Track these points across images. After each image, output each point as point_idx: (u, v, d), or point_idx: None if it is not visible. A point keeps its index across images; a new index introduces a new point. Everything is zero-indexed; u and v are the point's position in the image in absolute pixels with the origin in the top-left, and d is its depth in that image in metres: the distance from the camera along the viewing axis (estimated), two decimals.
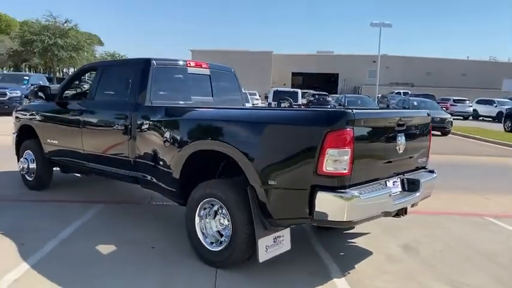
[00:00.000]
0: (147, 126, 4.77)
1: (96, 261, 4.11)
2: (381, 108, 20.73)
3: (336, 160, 3.38)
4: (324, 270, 4.10)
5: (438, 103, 30.91)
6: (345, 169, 3.41)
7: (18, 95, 18.06)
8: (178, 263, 4.11)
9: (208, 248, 4.04)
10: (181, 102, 5.30)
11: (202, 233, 4.12)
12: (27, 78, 20.74)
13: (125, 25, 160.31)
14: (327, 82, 61.25)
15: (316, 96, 33.81)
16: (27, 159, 6.65)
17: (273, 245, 3.78)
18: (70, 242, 4.54)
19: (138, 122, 4.85)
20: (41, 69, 59.38)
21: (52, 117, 6.16)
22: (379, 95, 39.99)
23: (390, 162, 4.02)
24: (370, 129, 3.71)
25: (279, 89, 21.28)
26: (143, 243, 4.56)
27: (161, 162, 4.56)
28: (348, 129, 3.39)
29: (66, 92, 6.42)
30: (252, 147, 3.76)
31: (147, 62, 5.13)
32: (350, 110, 3.46)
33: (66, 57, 46.28)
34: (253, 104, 18.09)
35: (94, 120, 5.50)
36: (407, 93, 41.48)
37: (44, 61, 49.75)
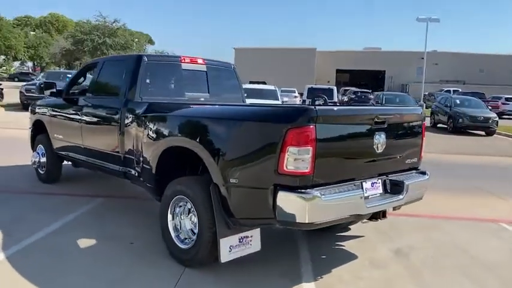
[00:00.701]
0: (134, 121, 4.79)
1: (69, 255, 4.16)
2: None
3: (296, 159, 3.22)
4: (296, 273, 3.94)
5: (488, 101, 29.35)
6: (306, 168, 3.25)
7: None
8: (150, 260, 4.08)
9: (179, 245, 3.99)
10: (174, 98, 5.28)
11: (177, 230, 4.08)
12: (69, 75, 21.61)
13: (174, 25, 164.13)
14: (373, 79, 59.78)
15: (358, 94, 33.05)
16: (38, 154, 6.89)
17: (238, 245, 3.67)
18: (55, 235, 4.64)
19: (127, 118, 4.88)
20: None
21: (58, 112, 6.35)
22: (426, 93, 38.48)
23: (368, 162, 3.79)
24: (339, 126, 3.51)
25: (314, 86, 20.95)
26: (125, 238, 4.58)
27: (141, 158, 4.57)
28: (310, 126, 3.22)
29: (75, 88, 6.59)
30: (215, 144, 3.67)
31: (138, 58, 5.16)
32: (313, 107, 3.28)
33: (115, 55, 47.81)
34: (282, 102, 17.86)
35: (90, 116, 5.60)
36: (458, 91, 39.66)
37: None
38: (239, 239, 3.68)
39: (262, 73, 47.62)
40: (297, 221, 3.26)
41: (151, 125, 4.46)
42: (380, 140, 3.77)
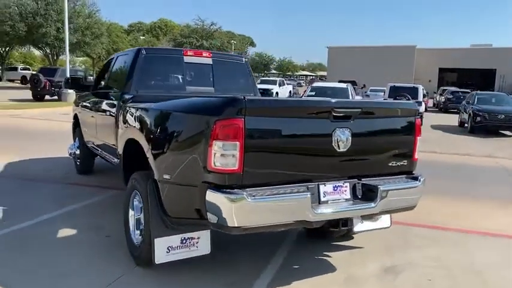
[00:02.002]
0: (124, 115, 4.77)
1: (40, 245, 4.19)
2: None
3: (224, 154, 2.89)
4: (245, 284, 3.55)
5: None
6: (234, 165, 2.89)
7: None
8: (112, 255, 3.97)
9: (133, 241, 3.84)
10: (173, 91, 5.17)
11: (137, 225, 3.93)
12: None
13: (275, 27, 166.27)
14: (482, 78, 54.49)
15: (458, 94, 30.30)
16: (74, 146, 7.27)
17: (179, 246, 3.42)
18: (42, 224, 4.76)
19: (121, 111, 4.88)
20: None
21: (84, 106, 6.62)
22: None
23: (327, 162, 3.29)
24: (277, 120, 3.07)
25: (396, 84, 19.54)
26: (108, 231, 4.56)
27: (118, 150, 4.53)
28: (238, 119, 2.86)
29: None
30: (153, 137, 3.47)
31: (137, 51, 5.14)
32: (242, 97, 2.91)
33: None
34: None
35: (100, 109, 5.72)
36: None
37: None
38: (181, 240, 3.42)
39: (355, 72, 46.08)
40: (226, 224, 2.91)
41: (124, 117, 4.40)
42: (342, 138, 3.24)
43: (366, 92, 32.47)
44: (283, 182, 3.12)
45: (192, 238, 3.46)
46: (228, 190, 2.88)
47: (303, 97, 16.26)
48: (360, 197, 3.42)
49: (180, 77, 5.39)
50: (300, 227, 3.17)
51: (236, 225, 2.90)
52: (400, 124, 3.66)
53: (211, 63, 5.51)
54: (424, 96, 31.64)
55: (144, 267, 3.67)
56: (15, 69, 47.71)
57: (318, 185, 3.26)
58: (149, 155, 3.46)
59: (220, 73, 5.58)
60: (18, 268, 3.69)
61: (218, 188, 2.92)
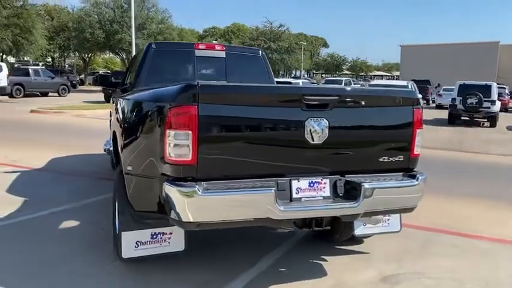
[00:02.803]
0: (113, 107, 4.78)
1: (35, 235, 4.27)
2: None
3: (177, 144, 2.72)
4: (218, 284, 3.34)
5: None
6: (188, 156, 2.71)
7: None
8: (98, 248, 3.95)
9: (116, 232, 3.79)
10: None
11: None
12: None
13: (348, 28, 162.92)
14: None
15: None
16: (109, 142, 7.48)
17: (150, 241, 3.31)
18: (52, 215, 4.88)
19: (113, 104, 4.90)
20: None
21: (112, 102, 6.77)
22: None
23: (300, 156, 3.00)
24: (238, 108, 2.82)
25: (466, 82, 18.05)
26: (105, 225, 4.56)
27: None
28: (190, 106, 2.68)
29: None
30: (122, 127, 3.41)
31: (147, 46, 5.14)
32: (195, 83, 2.72)
33: (278, 59, 49.84)
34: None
35: (118, 106, 5.80)
36: None
37: None
38: (151, 235, 3.30)
39: (429, 71, 43.49)
40: (180, 219, 2.74)
41: (113, 109, 4.39)
42: (316, 128, 2.93)
43: (438, 92, 30.54)
44: (247, 176, 2.89)
45: (164, 233, 3.33)
46: (180, 183, 2.71)
47: None
48: (341, 195, 3.08)
49: (191, 71, 5.29)
50: (265, 224, 2.89)
51: (188, 220, 2.72)
52: (393, 115, 3.24)
53: (224, 56, 5.36)
54: (508, 95, 29.11)
55: (123, 261, 3.59)
56: (97, 73, 51.20)
57: (290, 180, 2.98)
58: (119, 146, 3.39)
59: (234, 67, 5.40)
60: (8, 254, 3.80)
61: (174, 180, 2.76)
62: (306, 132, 2.91)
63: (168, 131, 2.72)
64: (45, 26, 40.15)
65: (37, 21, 33.17)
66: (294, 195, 2.97)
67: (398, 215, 3.95)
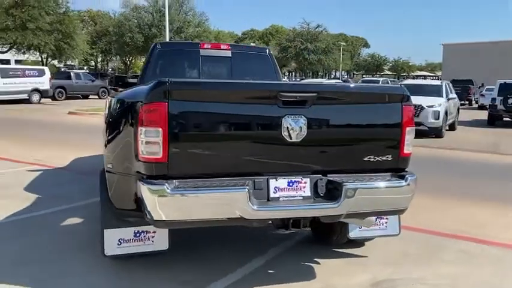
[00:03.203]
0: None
1: (34, 232, 4.38)
2: None
3: (148, 142, 2.71)
4: (200, 283, 3.29)
5: None
6: (158, 154, 2.70)
7: None
8: (88, 245, 3.99)
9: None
10: None
11: None
12: None
13: (390, 27, 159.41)
14: None
15: None
16: None
17: (133, 239, 3.31)
18: (58, 213, 4.99)
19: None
20: (296, 73, 65.52)
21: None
22: None
23: (278, 154, 2.92)
24: (210, 105, 2.77)
25: (507, 81, 17.16)
26: None
27: None
28: (160, 102, 2.67)
29: None
30: (106, 125, 3.40)
31: (153, 46, 5.21)
32: (166, 80, 2.70)
33: (315, 60, 49.42)
34: (448, 99, 15.27)
35: (106, 104, 5.88)
36: None
37: (298, 65, 54.55)
38: (134, 233, 3.31)
39: (473, 70, 41.77)
40: (153, 217, 2.73)
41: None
42: (294, 126, 2.84)
43: (481, 92, 29.29)
44: (223, 174, 2.84)
45: (148, 232, 3.33)
46: (150, 180, 2.70)
47: None
48: (322, 195, 2.97)
49: (196, 70, 5.31)
50: (240, 224, 2.82)
51: (160, 219, 2.70)
52: (380, 112, 3.09)
53: (230, 55, 5.34)
54: None
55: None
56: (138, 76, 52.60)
57: (268, 179, 2.90)
58: (103, 143, 3.42)
59: (239, 66, 5.38)
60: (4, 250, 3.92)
61: (147, 178, 2.75)
62: (283, 130, 2.83)
63: (139, 128, 2.72)
64: (88, 31, 41.71)
65: (78, 26, 34.46)
66: (272, 195, 2.90)
67: (397, 217, 3.78)
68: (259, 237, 4.25)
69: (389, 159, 3.11)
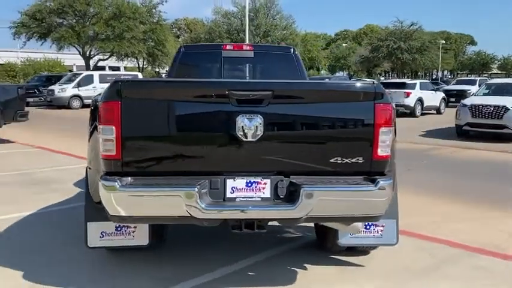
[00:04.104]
0: None
1: (28, 228, 4.64)
2: None
3: (104, 139, 2.84)
4: (175, 280, 3.32)
5: None
6: (113, 151, 2.81)
7: None
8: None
9: None
10: None
11: None
12: None
13: (500, 23, 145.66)
14: None
15: None
16: None
17: (114, 233, 3.44)
18: (68, 208, 5.29)
19: None
20: (390, 74, 62.68)
21: None
22: None
23: (235, 154, 2.85)
24: (167, 104, 2.80)
25: None
26: None
27: None
28: (113, 101, 2.77)
29: None
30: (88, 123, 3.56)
31: (178, 49, 5.40)
32: (120, 79, 2.80)
33: (409, 59, 47.00)
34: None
35: None
36: None
37: (391, 65, 52.27)
38: (116, 227, 3.44)
39: None
40: (108, 212, 2.85)
41: None
42: (249, 125, 2.76)
43: None
44: (179, 173, 2.86)
45: (128, 227, 3.44)
46: (105, 177, 2.81)
47: (473, 96, 13.86)
48: (281, 197, 2.84)
49: (217, 71, 5.38)
50: (191, 223, 2.79)
51: (114, 214, 2.81)
52: (347, 111, 2.86)
53: (252, 56, 5.34)
54: None
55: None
56: None
57: (225, 179, 2.86)
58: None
59: (262, 66, 5.38)
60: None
61: (103, 174, 2.88)
62: (237, 129, 2.76)
63: (99, 127, 2.85)
64: (184, 38, 44.13)
65: (169, 34, 36.62)
66: (228, 195, 2.85)
67: (395, 225, 3.48)
68: (259, 238, 4.18)
69: (360, 161, 2.88)
